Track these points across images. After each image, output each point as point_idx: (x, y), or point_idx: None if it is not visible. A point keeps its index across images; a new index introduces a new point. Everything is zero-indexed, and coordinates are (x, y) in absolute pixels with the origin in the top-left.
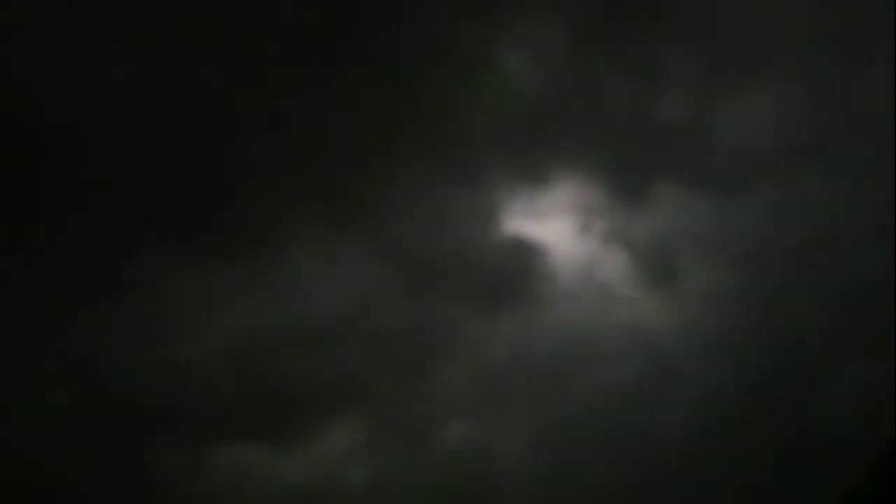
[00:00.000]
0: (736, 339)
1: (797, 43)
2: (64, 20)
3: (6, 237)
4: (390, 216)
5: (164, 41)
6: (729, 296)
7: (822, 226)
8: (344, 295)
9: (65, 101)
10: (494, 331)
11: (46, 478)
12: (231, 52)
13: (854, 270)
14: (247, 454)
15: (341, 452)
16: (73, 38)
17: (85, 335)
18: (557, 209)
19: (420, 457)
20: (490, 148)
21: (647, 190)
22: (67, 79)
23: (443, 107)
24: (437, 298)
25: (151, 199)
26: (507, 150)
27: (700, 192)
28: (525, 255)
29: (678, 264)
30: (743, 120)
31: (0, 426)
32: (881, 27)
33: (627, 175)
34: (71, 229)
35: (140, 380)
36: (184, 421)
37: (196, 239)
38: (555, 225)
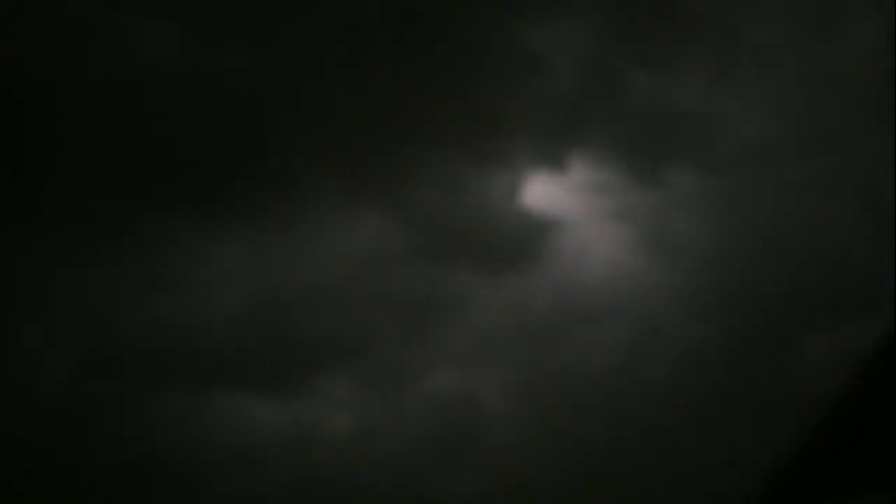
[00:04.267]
0: (721, 306)
1: (799, 42)
2: None
3: (26, 196)
4: (411, 186)
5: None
6: (719, 268)
7: (813, 206)
8: (358, 255)
9: (85, 61)
10: (496, 295)
11: (48, 423)
12: (263, 23)
13: (834, 247)
14: (244, 402)
15: (331, 401)
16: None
17: (98, 290)
18: (572, 187)
19: (407, 406)
20: (514, 129)
21: (656, 173)
22: (88, 39)
23: (473, 91)
24: (446, 264)
25: (172, 161)
26: (531, 132)
27: (705, 176)
28: (537, 227)
29: (676, 240)
30: (748, 112)
31: (9, 373)
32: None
33: (640, 159)
34: (91, 190)
35: (148, 332)
36: (187, 369)
37: (214, 197)
38: (568, 201)
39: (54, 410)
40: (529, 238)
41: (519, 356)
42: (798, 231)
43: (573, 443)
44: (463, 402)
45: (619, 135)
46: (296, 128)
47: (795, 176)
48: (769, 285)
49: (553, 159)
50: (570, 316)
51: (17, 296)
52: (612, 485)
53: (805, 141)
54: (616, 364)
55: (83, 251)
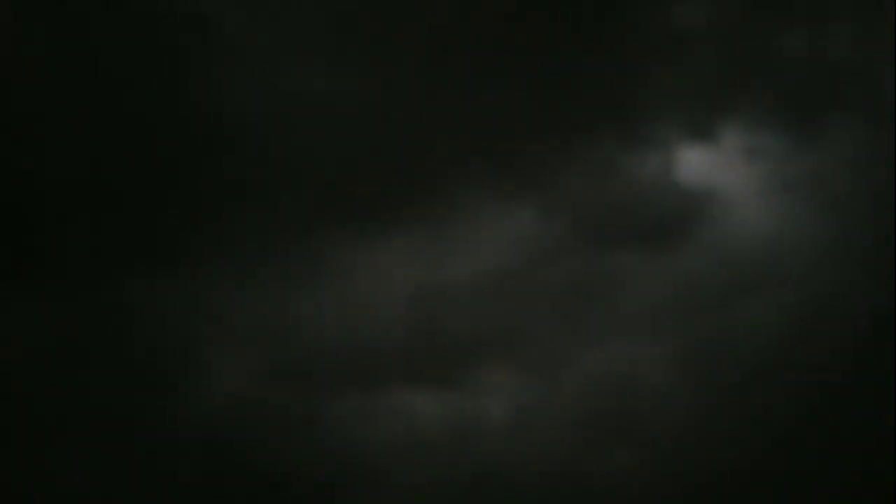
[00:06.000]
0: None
1: None
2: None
3: (211, 224)
4: (563, 171)
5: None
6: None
7: None
8: (513, 245)
9: (256, 99)
10: (654, 272)
11: (233, 433)
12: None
13: None
14: (411, 398)
15: (492, 390)
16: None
17: (268, 305)
18: (727, 156)
19: (567, 387)
20: (663, 105)
21: (814, 131)
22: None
23: (618, 70)
24: (601, 246)
25: (328, 172)
26: (680, 106)
27: (868, 130)
28: (692, 200)
29: (840, 198)
30: None
31: (191, 385)
32: None
33: (797, 118)
34: (258, 211)
35: (318, 339)
36: (356, 372)
37: (369, 202)
38: (724, 170)
39: (237, 420)
40: (685, 212)
41: (681, 330)
42: None
43: (740, 413)
44: (624, 378)
45: (772, 96)
46: (444, 123)
47: None
48: None
49: (705, 130)
50: (732, 286)
51: (197, 317)
52: (777, 457)
53: None
54: (783, 333)
55: (253, 270)
